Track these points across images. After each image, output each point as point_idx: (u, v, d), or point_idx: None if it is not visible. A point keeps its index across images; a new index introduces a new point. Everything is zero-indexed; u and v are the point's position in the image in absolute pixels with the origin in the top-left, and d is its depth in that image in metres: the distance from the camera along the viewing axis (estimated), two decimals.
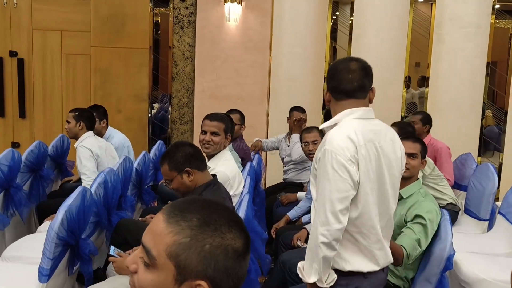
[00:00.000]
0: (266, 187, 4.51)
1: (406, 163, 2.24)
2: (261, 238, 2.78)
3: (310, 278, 1.65)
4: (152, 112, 5.48)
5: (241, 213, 2.25)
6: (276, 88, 5.20)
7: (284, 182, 4.12)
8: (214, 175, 2.36)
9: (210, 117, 2.76)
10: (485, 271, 2.54)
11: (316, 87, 5.24)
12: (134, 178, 3.47)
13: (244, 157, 3.57)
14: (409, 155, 2.27)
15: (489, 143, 5.28)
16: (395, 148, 1.74)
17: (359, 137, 1.62)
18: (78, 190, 2.32)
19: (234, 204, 2.42)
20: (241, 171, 3.03)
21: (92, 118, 3.60)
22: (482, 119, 5.11)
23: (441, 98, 5.10)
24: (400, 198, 2.25)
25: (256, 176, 3.43)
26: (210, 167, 2.63)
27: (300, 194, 3.59)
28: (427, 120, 4.02)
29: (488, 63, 5.03)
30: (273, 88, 5.19)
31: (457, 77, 5.08)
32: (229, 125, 2.75)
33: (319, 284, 1.65)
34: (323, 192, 1.61)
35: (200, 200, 0.90)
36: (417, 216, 2.13)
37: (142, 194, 3.64)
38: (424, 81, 5.18)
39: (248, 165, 3.16)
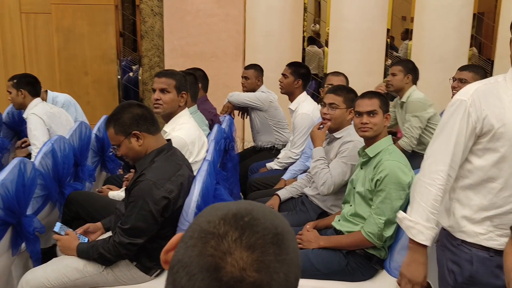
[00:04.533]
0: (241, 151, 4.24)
1: (366, 123, 2.01)
2: None
3: None
4: (128, 75, 5.16)
5: (198, 184, 2.01)
6: (252, 44, 4.89)
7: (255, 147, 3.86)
8: (169, 140, 2.11)
9: (159, 73, 2.48)
10: None
11: (295, 43, 4.93)
12: (94, 145, 3.19)
13: (213, 120, 3.29)
14: (368, 113, 2.02)
15: None
16: None
17: None
18: (14, 162, 2.05)
19: (194, 173, 2.17)
20: (208, 135, 2.77)
21: (34, 83, 3.23)
22: None
23: (425, 50, 4.81)
24: (368, 158, 2.05)
25: (227, 139, 3.17)
26: (166, 132, 2.37)
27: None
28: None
29: (474, 14, 4.74)
30: (249, 44, 4.88)
31: (442, 28, 4.78)
32: (183, 82, 2.45)
33: None
34: None
35: None
36: (377, 181, 1.94)
37: (106, 162, 3.38)
38: (407, 34, 4.90)
39: (215, 128, 2.88)
